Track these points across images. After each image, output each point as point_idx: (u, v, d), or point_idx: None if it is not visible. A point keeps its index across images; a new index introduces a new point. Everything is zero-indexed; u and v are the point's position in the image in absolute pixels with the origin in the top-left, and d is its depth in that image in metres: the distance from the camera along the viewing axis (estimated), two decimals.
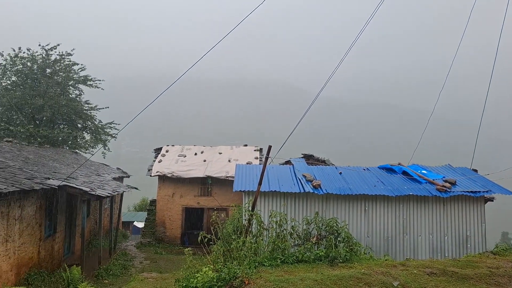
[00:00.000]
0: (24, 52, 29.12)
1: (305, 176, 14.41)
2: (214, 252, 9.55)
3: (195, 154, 23.86)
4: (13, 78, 29.21)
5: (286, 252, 9.50)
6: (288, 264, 8.95)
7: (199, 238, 9.45)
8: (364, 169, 15.47)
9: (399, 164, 15.93)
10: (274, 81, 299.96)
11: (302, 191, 13.28)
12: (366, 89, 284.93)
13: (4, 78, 29.05)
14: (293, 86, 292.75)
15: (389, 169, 15.58)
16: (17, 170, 12.51)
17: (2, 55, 28.78)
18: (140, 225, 30.41)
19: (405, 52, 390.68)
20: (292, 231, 10.47)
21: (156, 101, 11.08)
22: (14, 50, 28.95)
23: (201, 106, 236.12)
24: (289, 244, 9.86)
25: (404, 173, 15.02)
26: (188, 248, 9.15)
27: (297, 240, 10.51)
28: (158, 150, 24.89)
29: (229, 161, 22.63)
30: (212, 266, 8.35)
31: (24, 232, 11.19)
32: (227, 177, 21.05)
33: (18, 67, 28.89)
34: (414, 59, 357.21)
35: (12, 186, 9.74)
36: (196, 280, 7.79)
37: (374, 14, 10.64)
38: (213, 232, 9.93)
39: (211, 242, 9.83)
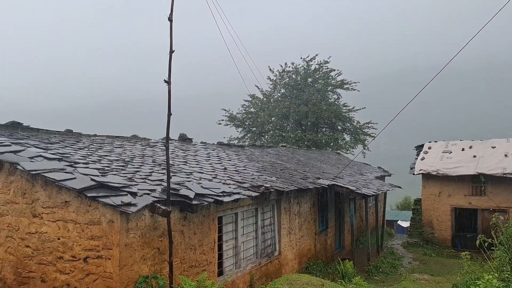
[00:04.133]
0: (289, 67, 33.10)
1: None
2: (497, 259, 8.48)
3: (462, 149, 21.78)
4: (282, 91, 33.64)
5: None
6: None
7: (477, 242, 8.59)
8: None
9: None
10: None
11: None
12: None
13: (276, 91, 33.73)
14: None
15: None
16: (293, 171, 14.19)
17: (273, 72, 33.44)
18: (404, 224, 29.78)
19: None
20: None
21: (412, 96, 10.64)
22: (281, 66, 33.23)
23: (460, 98, 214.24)
24: None
25: None
26: (465, 252, 8.42)
27: None
28: (419, 148, 23.85)
29: (505, 155, 19.71)
30: (496, 275, 7.44)
31: (303, 226, 12.55)
32: (505, 174, 18.38)
33: (285, 80, 33.11)
34: None
35: (291, 185, 11.08)
36: (477, 287, 7.10)
37: None
38: (494, 236, 8.86)
39: (492, 247, 8.79)
